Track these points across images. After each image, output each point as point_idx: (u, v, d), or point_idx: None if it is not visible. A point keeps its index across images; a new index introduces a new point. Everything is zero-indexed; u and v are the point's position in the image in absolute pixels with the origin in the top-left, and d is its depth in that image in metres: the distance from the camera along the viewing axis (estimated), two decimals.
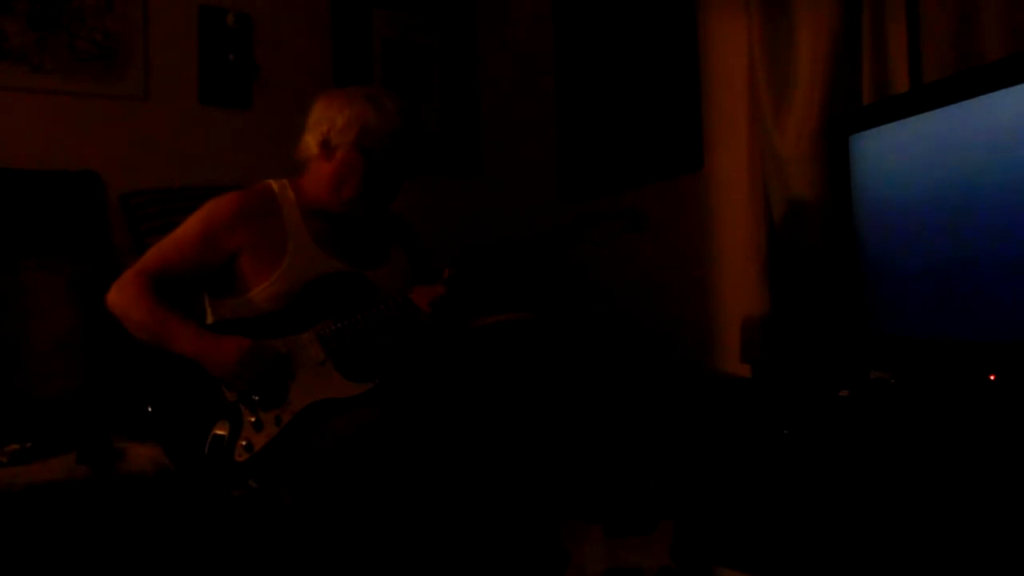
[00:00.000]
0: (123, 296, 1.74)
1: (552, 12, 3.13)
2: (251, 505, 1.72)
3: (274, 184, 1.90)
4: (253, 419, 1.69)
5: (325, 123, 1.82)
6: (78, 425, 2.05)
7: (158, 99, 2.73)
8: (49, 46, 2.57)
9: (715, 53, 2.46)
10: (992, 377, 1.53)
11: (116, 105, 2.66)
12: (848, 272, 1.90)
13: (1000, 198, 1.51)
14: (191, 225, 1.81)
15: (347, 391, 1.73)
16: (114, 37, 2.66)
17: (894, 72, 1.88)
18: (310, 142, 1.85)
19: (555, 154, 3.12)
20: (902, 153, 1.73)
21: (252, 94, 2.87)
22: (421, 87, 3.20)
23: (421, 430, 1.73)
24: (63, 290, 2.22)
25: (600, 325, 2.83)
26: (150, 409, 1.71)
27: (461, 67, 3.29)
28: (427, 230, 2.12)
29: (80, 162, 2.53)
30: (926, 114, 1.66)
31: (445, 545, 1.75)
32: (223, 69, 2.82)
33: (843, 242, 1.91)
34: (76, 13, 2.61)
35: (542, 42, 3.18)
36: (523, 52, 3.30)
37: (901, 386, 1.72)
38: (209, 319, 1.87)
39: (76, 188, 2.48)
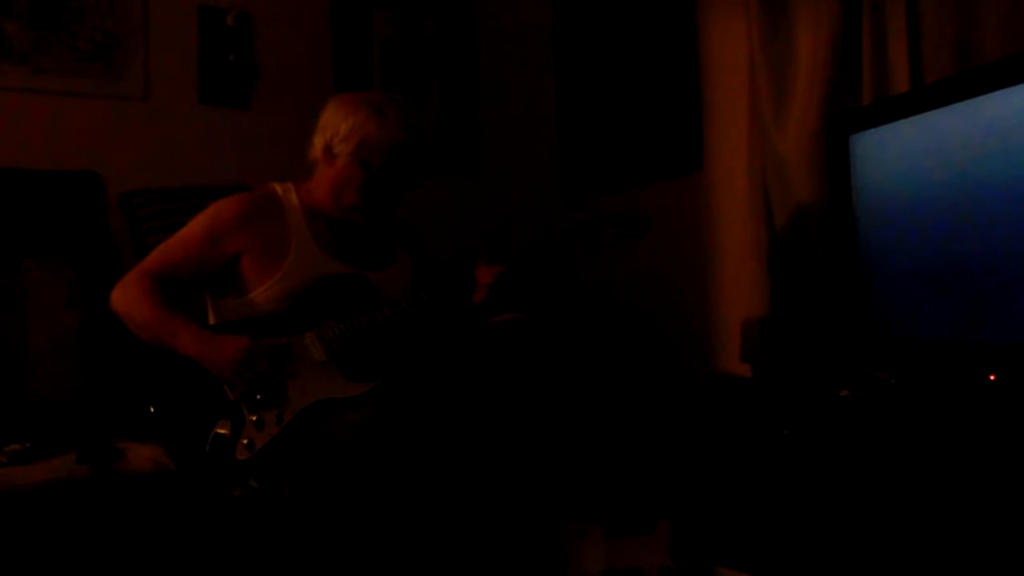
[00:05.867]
0: (127, 296, 1.75)
1: (552, 12, 3.13)
2: (252, 504, 1.72)
3: (278, 187, 1.90)
4: (255, 418, 1.69)
5: (330, 128, 1.82)
6: (78, 425, 2.04)
7: (158, 99, 2.73)
8: (49, 46, 2.57)
9: (715, 53, 2.46)
10: (992, 377, 1.53)
11: (116, 105, 2.66)
12: (848, 272, 1.90)
13: (1000, 198, 1.52)
14: (195, 226, 1.82)
15: (349, 391, 1.74)
16: (114, 37, 2.66)
17: (894, 72, 1.88)
18: (316, 144, 1.85)
19: (555, 155, 3.12)
20: (902, 153, 1.74)
21: (252, 94, 2.87)
22: (421, 87, 3.20)
23: (422, 431, 1.73)
24: (63, 290, 2.22)
25: (600, 325, 2.83)
26: (152, 409, 1.72)
27: (461, 67, 3.29)
28: (427, 231, 2.12)
29: (80, 162, 2.52)
30: (926, 114, 1.67)
31: (445, 545, 1.75)
32: (223, 69, 2.82)
33: (843, 242, 1.91)
34: (76, 13, 2.60)
35: (542, 42, 3.18)
36: (523, 52, 3.30)
37: (901, 386, 1.72)
38: (211, 319, 1.87)
39: (76, 188, 2.47)
